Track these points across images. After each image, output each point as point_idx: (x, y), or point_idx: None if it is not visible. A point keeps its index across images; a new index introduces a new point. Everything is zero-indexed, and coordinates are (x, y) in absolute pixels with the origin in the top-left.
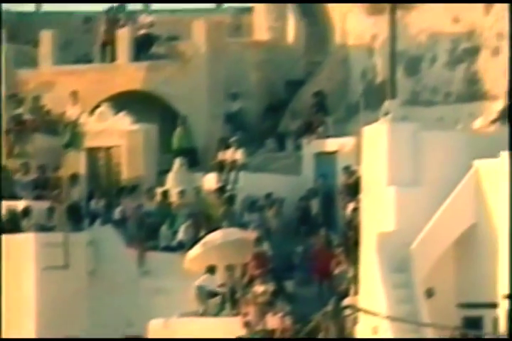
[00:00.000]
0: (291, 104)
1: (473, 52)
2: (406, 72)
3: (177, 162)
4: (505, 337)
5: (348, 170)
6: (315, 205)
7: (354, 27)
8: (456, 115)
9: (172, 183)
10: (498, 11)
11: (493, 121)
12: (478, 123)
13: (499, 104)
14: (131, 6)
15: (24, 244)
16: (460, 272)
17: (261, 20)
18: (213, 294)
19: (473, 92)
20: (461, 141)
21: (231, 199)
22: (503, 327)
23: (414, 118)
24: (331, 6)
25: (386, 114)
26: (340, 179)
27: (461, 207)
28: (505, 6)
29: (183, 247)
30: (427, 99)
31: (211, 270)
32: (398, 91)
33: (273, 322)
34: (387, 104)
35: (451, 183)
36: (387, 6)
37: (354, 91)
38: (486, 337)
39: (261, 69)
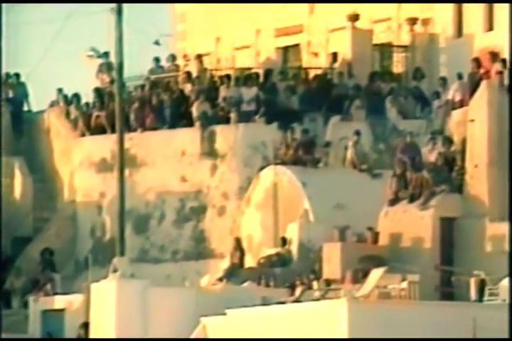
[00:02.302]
0: (18, 261)
1: (200, 211)
2: (135, 230)
3: None
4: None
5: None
6: None
7: (82, 184)
8: (184, 272)
9: None
10: (223, 172)
11: (220, 279)
12: (205, 281)
13: (225, 262)
14: None
15: None
16: None
17: None
18: None
19: (200, 250)
20: (189, 297)
21: None
22: None
23: (143, 275)
24: (59, 161)
25: (115, 271)
26: (68, 335)
27: None
28: (230, 167)
29: None
30: (155, 257)
31: None
32: (127, 248)
33: None
34: (115, 261)
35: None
36: (115, 163)
37: (83, 248)
38: None
39: None
